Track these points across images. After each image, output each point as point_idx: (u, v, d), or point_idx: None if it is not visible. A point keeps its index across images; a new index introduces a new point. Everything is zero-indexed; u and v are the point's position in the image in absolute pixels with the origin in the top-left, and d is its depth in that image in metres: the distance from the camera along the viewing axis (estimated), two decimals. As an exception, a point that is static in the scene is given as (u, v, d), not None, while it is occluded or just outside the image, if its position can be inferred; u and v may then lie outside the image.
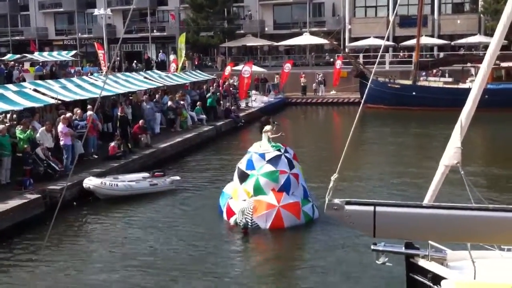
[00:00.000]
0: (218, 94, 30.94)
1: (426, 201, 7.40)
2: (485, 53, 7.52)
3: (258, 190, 13.67)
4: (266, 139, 14.31)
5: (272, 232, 13.29)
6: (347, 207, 6.24)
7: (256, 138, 15.18)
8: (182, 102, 26.77)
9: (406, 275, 7.49)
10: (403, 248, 7.31)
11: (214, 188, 17.41)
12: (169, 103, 25.63)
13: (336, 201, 6.28)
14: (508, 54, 36.94)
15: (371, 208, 6.17)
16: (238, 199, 13.90)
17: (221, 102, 31.32)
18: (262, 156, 13.95)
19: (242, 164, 14.26)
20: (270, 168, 13.74)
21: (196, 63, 49.37)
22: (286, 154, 14.08)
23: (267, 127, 14.35)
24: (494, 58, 7.32)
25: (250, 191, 13.78)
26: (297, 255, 12.39)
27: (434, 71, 40.37)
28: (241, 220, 13.37)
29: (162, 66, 46.80)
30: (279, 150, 14.08)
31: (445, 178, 7.44)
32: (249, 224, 13.28)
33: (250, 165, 14.00)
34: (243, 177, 14.03)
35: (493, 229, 6.27)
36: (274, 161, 13.82)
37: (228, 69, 38.10)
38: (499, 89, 32.66)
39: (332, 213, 6.37)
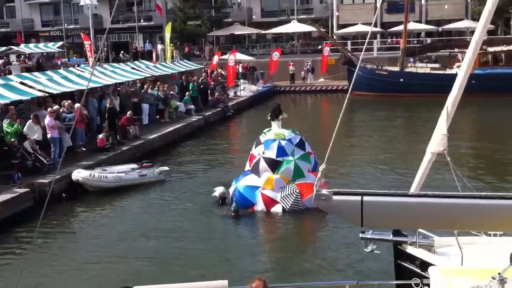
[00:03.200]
0: (196, 84, 30.34)
1: (413, 190, 7.40)
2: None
3: (297, 173, 14.00)
4: (279, 126, 14.52)
5: (263, 214, 13.71)
6: (335, 197, 6.22)
7: (246, 127, 15.22)
8: (171, 93, 26.67)
9: (394, 262, 7.54)
10: (391, 235, 7.34)
11: (204, 177, 17.45)
12: (158, 93, 25.53)
13: (324, 191, 6.26)
14: (495, 39, 37.13)
15: (358, 198, 6.17)
16: (275, 187, 13.94)
17: (209, 92, 31.13)
18: (290, 141, 14.26)
19: (270, 153, 14.16)
20: (301, 151, 14.19)
21: (187, 51, 49.02)
22: (303, 137, 14.65)
23: (284, 114, 14.68)
24: (480, 43, 7.29)
25: (287, 177, 13.99)
26: (294, 237, 12.72)
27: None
28: (291, 206, 13.60)
29: (149, 56, 46.37)
30: (296, 134, 14.55)
31: (432, 165, 7.46)
32: (300, 207, 13.59)
33: (282, 152, 14.09)
34: (276, 165, 14.08)
35: (480, 216, 6.28)
36: (301, 144, 14.33)
37: (215, 59, 37.89)
38: (486, 74, 32.82)
39: (320, 204, 6.36)
